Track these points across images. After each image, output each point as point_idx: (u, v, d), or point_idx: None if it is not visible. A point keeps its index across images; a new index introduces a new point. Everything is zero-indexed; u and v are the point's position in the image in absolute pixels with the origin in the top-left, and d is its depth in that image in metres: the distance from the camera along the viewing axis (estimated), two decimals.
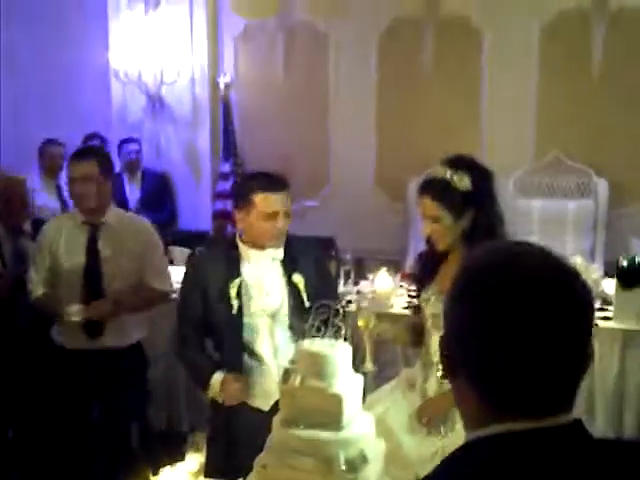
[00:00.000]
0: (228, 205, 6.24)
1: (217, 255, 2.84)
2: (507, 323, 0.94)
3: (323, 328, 2.10)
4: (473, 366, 0.98)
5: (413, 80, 5.92)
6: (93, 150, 3.46)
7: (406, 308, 3.78)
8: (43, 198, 5.43)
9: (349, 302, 4.21)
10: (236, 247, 2.76)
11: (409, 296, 2.83)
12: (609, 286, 3.93)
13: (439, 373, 2.53)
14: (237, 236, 2.78)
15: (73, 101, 6.58)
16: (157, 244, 3.44)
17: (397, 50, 5.94)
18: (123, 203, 5.87)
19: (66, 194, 4.32)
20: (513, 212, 5.48)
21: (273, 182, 2.66)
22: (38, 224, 3.74)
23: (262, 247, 2.73)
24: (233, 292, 2.68)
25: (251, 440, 2.48)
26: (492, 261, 1.00)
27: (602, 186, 5.49)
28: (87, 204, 3.25)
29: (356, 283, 4.49)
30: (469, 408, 1.01)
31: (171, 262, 5.32)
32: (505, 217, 2.54)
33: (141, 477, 2.31)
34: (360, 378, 2.16)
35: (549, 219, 5.39)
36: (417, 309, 2.72)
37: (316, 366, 2.04)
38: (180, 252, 5.44)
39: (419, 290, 2.69)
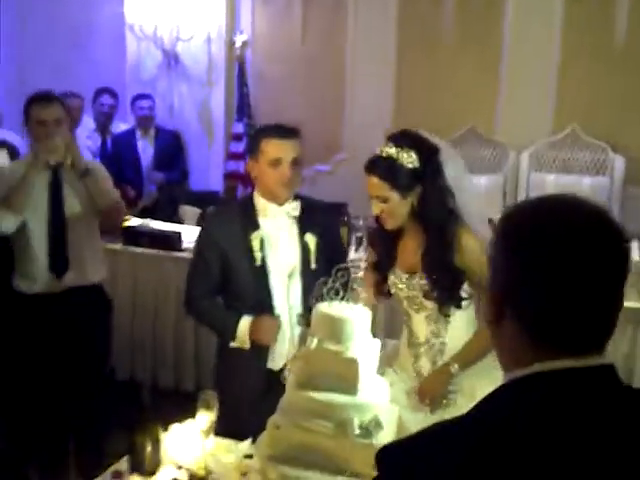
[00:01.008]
0: (240, 166, 6.20)
1: (233, 209, 2.85)
2: (557, 263, 1.01)
3: (342, 291, 2.08)
4: (522, 305, 1.04)
5: (433, 45, 5.83)
6: (55, 95, 3.46)
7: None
8: None
9: (360, 269, 4.21)
10: (252, 202, 2.75)
11: (376, 283, 2.63)
12: None
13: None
14: (254, 191, 2.78)
15: (86, 55, 6.51)
16: (108, 177, 3.48)
17: (417, 13, 5.84)
18: (135, 159, 5.84)
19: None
20: (527, 186, 5.47)
21: (281, 129, 2.68)
22: None
23: (278, 202, 2.72)
24: (256, 244, 2.67)
25: (260, 400, 2.49)
26: (538, 207, 1.07)
27: (618, 163, 5.43)
28: (56, 145, 3.27)
29: (367, 250, 4.48)
30: (511, 349, 1.07)
31: (181, 221, 5.32)
32: (456, 191, 2.45)
33: (152, 433, 2.30)
34: (377, 343, 2.15)
35: None
36: (388, 294, 2.63)
37: (333, 329, 2.03)
38: (190, 211, 5.43)
39: (384, 275, 2.60)
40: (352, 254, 4.27)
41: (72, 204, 3.33)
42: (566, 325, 1.02)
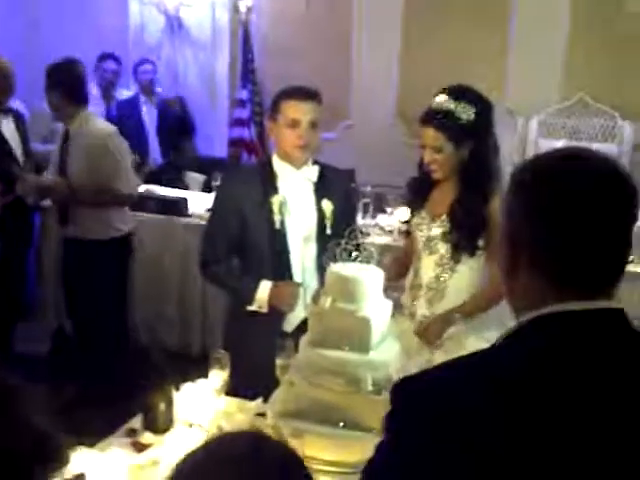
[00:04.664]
0: (244, 133, 6.18)
1: (252, 172, 2.84)
2: (566, 203, 1.06)
3: (355, 252, 2.09)
4: (534, 247, 1.09)
5: (441, 10, 5.76)
6: (51, 64, 3.91)
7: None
8: None
9: (367, 234, 4.22)
10: (271, 165, 2.74)
11: (400, 222, 2.88)
12: None
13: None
14: (274, 153, 2.78)
15: (90, 20, 6.43)
16: (115, 149, 3.82)
17: None
18: (139, 125, 5.81)
19: None
20: (535, 152, 5.44)
21: (300, 91, 2.68)
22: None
23: (295, 164, 2.72)
24: (275, 207, 2.67)
25: (272, 361, 2.50)
26: (550, 154, 1.14)
27: (627, 130, 5.41)
28: (53, 113, 3.95)
29: (373, 217, 4.49)
30: (525, 295, 1.11)
31: (186, 187, 5.32)
32: (499, 150, 2.61)
33: (165, 392, 2.33)
34: (389, 303, 2.16)
35: None
36: (407, 234, 2.84)
37: (346, 289, 2.04)
38: (196, 178, 5.42)
39: (411, 215, 2.78)
40: (359, 220, 4.27)
41: (74, 170, 3.77)
42: (576, 267, 1.07)
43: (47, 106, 3.90)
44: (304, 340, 2.10)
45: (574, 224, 1.06)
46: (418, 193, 2.72)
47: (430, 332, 2.59)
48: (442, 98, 2.51)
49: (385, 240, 4.20)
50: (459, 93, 2.50)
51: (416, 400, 1.06)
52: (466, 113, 2.47)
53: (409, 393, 1.08)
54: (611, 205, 1.07)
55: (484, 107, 2.52)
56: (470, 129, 2.48)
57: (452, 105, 2.47)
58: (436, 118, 2.50)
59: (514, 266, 1.11)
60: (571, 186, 1.07)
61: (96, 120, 3.95)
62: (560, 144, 5.46)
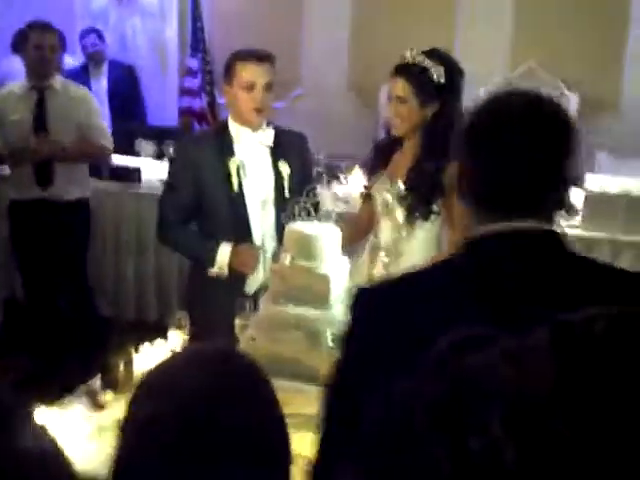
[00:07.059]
0: (195, 103, 6.12)
1: (208, 135, 2.85)
2: (501, 129, 1.14)
3: (313, 211, 2.13)
4: (475, 172, 1.16)
5: None
6: (50, 24, 3.88)
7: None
8: None
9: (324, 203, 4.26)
10: (227, 128, 2.75)
11: (364, 187, 2.97)
12: (576, 196, 4.03)
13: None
14: (229, 116, 2.79)
15: None
16: (96, 109, 4.01)
17: None
18: None
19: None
20: None
21: (254, 53, 2.71)
22: None
23: (251, 127, 2.74)
24: (233, 170, 2.68)
25: (233, 323, 2.53)
26: (503, 90, 1.22)
27: (573, 100, 5.53)
28: (46, 70, 3.76)
29: (328, 186, 4.50)
30: (463, 221, 1.20)
31: (137, 155, 5.26)
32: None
33: (124, 352, 2.34)
34: (346, 260, 2.21)
35: None
36: (368, 197, 2.86)
37: (305, 247, 2.09)
38: (147, 146, 5.36)
39: (371, 179, 2.83)
40: None
41: (55, 121, 3.75)
42: (504, 187, 1.13)
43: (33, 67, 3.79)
44: (265, 297, 2.14)
45: (503, 144, 1.12)
46: (381, 155, 2.77)
47: None
48: (417, 53, 2.58)
49: (341, 209, 4.24)
50: (434, 54, 2.58)
51: (376, 308, 1.16)
52: (438, 73, 2.54)
53: (369, 303, 1.18)
54: (541, 129, 1.12)
55: (456, 73, 2.60)
56: (438, 89, 2.55)
57: (426, 62, 2.54)
58: (408, 70, 2.57)
59: (460, 198, 1.19)
60: (503, 109, 1.14)
61: (69, 81, 4.05)
62: None
